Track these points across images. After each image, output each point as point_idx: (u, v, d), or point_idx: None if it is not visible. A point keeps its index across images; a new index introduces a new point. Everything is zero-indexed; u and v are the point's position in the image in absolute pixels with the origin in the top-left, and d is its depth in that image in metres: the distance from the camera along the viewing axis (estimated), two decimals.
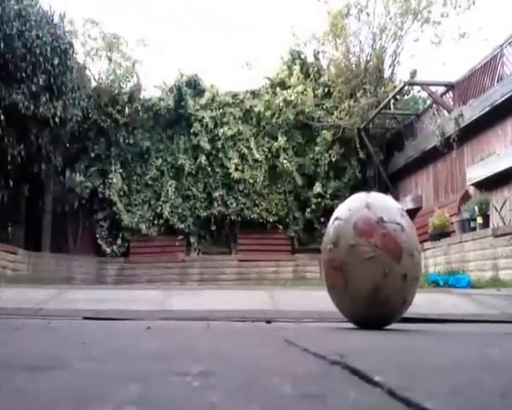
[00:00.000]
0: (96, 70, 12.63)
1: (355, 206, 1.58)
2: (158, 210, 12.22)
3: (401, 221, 1.59)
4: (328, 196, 12.13)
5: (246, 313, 2.07)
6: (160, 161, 12.42)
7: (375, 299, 1.46)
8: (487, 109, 8.51)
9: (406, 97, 13.25)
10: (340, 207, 1.72)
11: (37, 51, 9.26)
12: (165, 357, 0.77)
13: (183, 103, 12.33)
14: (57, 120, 9.63)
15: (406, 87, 12.35)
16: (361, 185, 12.41)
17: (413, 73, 12.23)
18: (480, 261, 7.42)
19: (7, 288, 3.80)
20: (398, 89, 11.69)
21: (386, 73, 12.76)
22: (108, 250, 12.01)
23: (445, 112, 10.33)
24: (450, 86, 10.52)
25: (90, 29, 12.54)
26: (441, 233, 8.77)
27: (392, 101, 12.37)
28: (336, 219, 1.43)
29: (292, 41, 13.03)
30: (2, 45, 8.81)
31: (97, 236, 12.08)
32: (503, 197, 8.02)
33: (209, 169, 12.34)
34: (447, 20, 12.13)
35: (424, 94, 12.04)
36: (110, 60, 12.55)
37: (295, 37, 12.96)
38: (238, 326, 1.68)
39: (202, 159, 12.25)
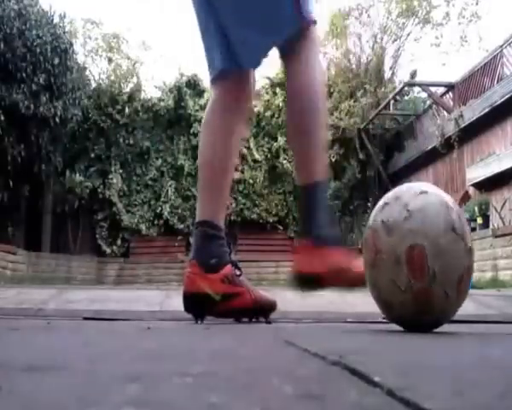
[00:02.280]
0: (97, 70, 12.65)
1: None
2: (158, 210, 12.22)
3: None
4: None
5: None
6: (160, 161, 12.42)
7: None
8: (487, 110, 8.51)
9: (406, 98, 13.26)
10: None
11: (38, 51, 9.26)
12: (165, 357, 0.77)
13: (182, 104, 12.34)
14: (57, 120, 9.63)
15: (406, 88, 12.35)
16: (361, 186, 12.42)
17: (413, 74, 12.23)
18: (480, 262, 7.43)
19: (7, 288, 3.80)
20: (398, 89, 11.69)
21: (387, 74, 12.77)
22: (108, 250, 12.01)
23: (444, 112, 10.34)
24: (450, 87, 10.52)
25: (90, 29, 12.57)
26: None
27: (392, 101, 12.37)
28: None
29: None
30: (2, 45, 8.81)
31: (97, 236, 12.08)
32: (503, 198, 8.02)
33: None
34: (449, 23, 12.16)
35: (424, 94, 12.04)
36: (110, 60, 12.56)
37: None
38: (238, 326, 1.68)
39: None
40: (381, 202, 1.35)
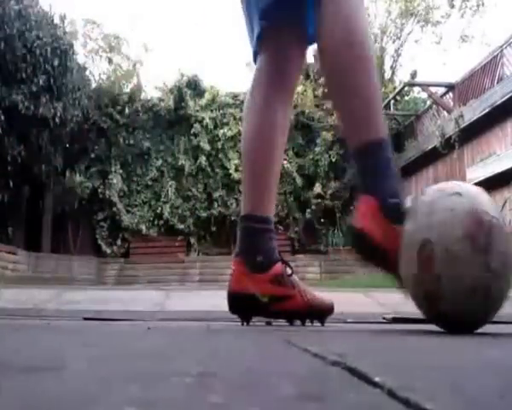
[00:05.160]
0: (97, 71, 12.66)
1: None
2: (158, 211, 12.23)
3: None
4: (328, 197, 12.13)
5: None
6: (161, 161, 12.43)
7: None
8: (487, 110, 8.51)
9: (406, 98, 13.26)
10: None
11: (38, 52, 9.27)
12: (165, 357, 0.77)
13: (183, 104, 12.34)
14: (57, 120, 9.64)
15: (406, 88, 12.36)
16: None
17: (413, 74, 12.24)
18: None
19: (7, 288, 3.81)
20: (398, 89, 11.69)
21: (387, 74, 12.77)
22: (108, 251, 12.02)
23: (445, 113, 10.34)
24: (450, 87, 10.53)
25: (90, 30, 12.58)
26: None
27: (393, 101, 12.37)
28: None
29: None
30: (2, 45, 8.82)
31: (97, 236, 12.08)
32: (503, 198, 8.02)
33: (209, 170, 12.35)
34: (449, 21, 12.17)
35: (424, 95, 12.05)
36: (110, 60, 12.57)
37: None
38: (238, 327, 1.68)
39: (202, 160, 12.26)
40: (430, 191, 1.32)
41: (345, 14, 1.49)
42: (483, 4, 12.04)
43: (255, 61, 1.74)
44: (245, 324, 1.64)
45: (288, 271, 1.62)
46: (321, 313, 1.65)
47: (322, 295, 1.70)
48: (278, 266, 1.61)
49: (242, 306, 1.64)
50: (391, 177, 1.47)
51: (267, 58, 1.70)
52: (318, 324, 1.65)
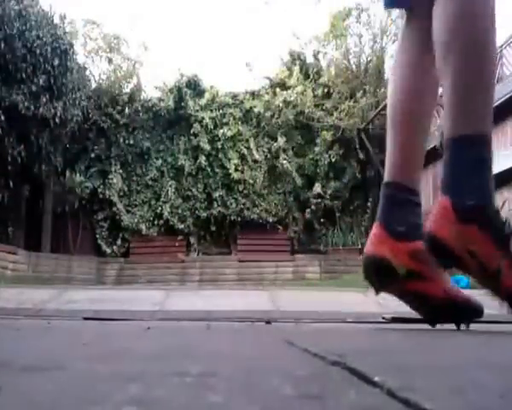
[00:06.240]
0: (97, 71, 12.65)
1: None
2: (158, 210, 12.23)
3: None
4: (327, 197, 12.13)
5: (246, 314, 2.08)
6: (160, 161, 12.43)
7: None
8: None
9: None
10: None
11: (38, 52, 9.26)
12: (165, 357, 0.77)
13: (183, 104, 12.34)
14: (57, 120, 9.64)
15: None
16: (361, 186, 12.43)
17: None
18: None
19: (7, 288, 3.81)
20: None
21: (387, 74, 12.77)
22: (108, 251, 12.01)
23: None
24: None
25: (90, 30, 12.56)
26: None
27: None
28: None
29: (292, 42, 13.07)
30: (2, 45, 8.81)
31: (97, 236, 12.08)
32: (503, 198, 8.02)
33: (209, 170, 12.34)
34: None
35: None
36: (110, 60, 12.57)
37: (295, 36, 12.99)
38: (238, 327, 1.68)
39: (202, 159, 12.26)
40: None
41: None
42: None
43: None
44: (376, 294, 1.47)
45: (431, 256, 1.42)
46: (464, 311, 1.44)
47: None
48: (420, 243, 1.43)
49: (378, 273, 1.47)
50: (480, 177, 1.45)
51: (409, 25, 1.62)
52: (454, 327, 1.43)
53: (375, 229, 1.50)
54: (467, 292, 1.55)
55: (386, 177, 1.55)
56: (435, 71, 1.50)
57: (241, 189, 12.30)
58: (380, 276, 1.46)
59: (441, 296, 1.40)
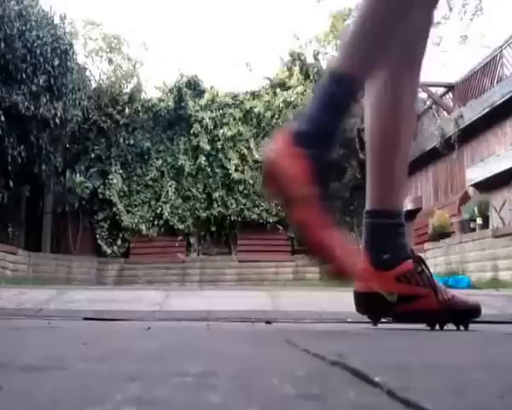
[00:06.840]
0: (97, 71, 12.65)
1: None
2: (158, 211, 12.23)
3: None
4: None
5: (246, 314, 2.08)
6: (160, 161, 12.43)
7: None
8: (487, 110, 8.52)
9: None
10: None
11: (38, 52, 9.26)
12: (165, 357, 0.77)
13: (183, 104, 12.34)
14: (57, 120, 9.63)
15: None
16: (361, 186, 12.43)
17: None
18: (480, 262, 7.42)
19: (7, 288, 3.81)
20: None
21: None
22: (108, 251, 12.02)
23: (444, 113, 10.34)
24: (449, 87, 10.53)
25: (90, 30, 12.57)
26: (441, 234, 8.77)
27: None
28: None
29: (292, 42, 13.08)
30: (2, 45, 8.81)
31: (97, 236, 12.08)
32: (503, 198, 8.02)
33: (209, 170, 12.35)
34: (449, 22, 12.16)
35: (424, 95, 12.05)
36: (111, 61, 12.57)
37: (295, 37, 13.00)
38: (238, 327, 1.68)
39: (202, 160, 12.26)
40: None
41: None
42: (481, 10, 12.05)
43: None
44: (375, 324, 1.54)
45: (419, 268, 1.48)
46: (462, 314, 1.48)
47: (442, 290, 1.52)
48: (408, 264, 1.47)
49: (370, 306, 1.52)
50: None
51: None
52: (455, 327, 1.49)
53: (361, 264, 1.52)
54: (466, 292, 1.57)
55: (367, 205, 1.58)
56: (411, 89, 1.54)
57: (241, 189, 12.30)
58: (373, 310, 1.52)
59: (436, 308, 1.45)
